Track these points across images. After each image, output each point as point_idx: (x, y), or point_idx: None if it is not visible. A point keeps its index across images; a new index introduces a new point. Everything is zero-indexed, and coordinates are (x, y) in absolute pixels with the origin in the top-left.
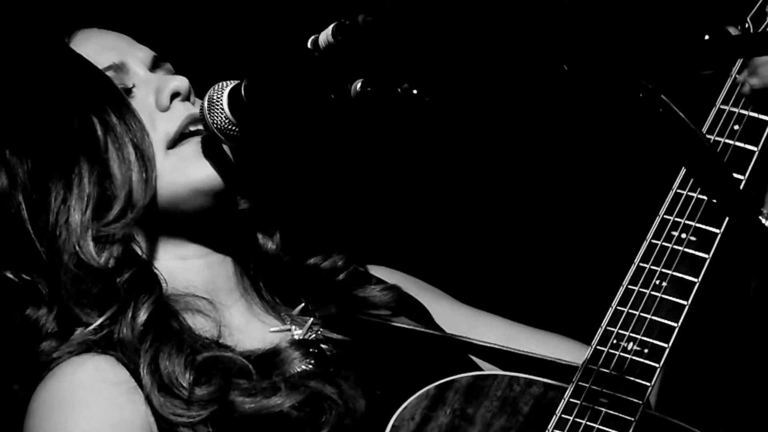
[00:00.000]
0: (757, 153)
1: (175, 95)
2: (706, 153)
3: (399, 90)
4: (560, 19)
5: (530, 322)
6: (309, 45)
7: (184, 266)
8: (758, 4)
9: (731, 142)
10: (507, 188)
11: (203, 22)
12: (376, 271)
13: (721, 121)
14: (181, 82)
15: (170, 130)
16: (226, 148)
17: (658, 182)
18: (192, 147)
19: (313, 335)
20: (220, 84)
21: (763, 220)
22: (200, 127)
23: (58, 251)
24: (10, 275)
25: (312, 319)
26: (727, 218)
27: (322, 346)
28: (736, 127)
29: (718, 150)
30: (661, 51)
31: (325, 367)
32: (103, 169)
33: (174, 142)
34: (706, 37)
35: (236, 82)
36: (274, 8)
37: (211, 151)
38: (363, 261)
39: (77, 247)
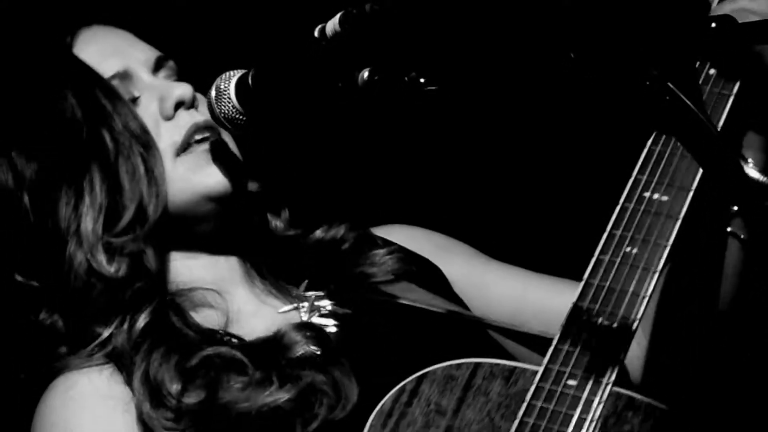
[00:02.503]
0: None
1: (179, 104)
2: (712, 141)
3: (406, 78)
4: (567, 6)
5: None
6: (316, 34)
7: (190, 264)
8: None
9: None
10: (511, 180)
11: (210, 12)
12: (386, 231)
13: None
14: (184, 91)
15: (176, 140)
16: (233, 148)
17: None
18: (200, 155)
19: (318, 313)
20: (228, 73)
21: (749, 170)
22: (206, 134)
23: (68, 259)
24: (19, 278)
25: (313, 295)
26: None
27: (326, 324)
28: None
29: None
30: (668, 38)
31: (326, 350)
32: (114, 179)
33: (180, 151)
34: (713, 24)
35: (244, 71)
36: None
37: (219, 156)
38: (372, 223)
39: (89, 256)
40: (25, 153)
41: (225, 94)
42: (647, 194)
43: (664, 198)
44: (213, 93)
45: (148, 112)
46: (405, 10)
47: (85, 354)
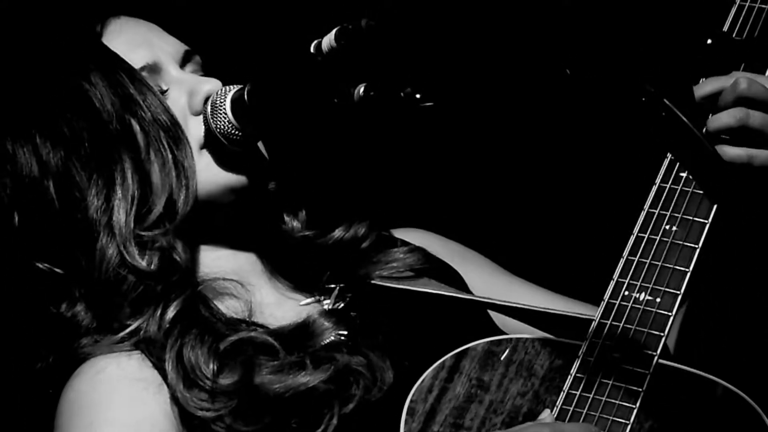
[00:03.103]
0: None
1: (208, 98)
2: (708, 157)
3: (402, 94)
4: (563, 22)
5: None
6: (312, 49)
7: (213, 255)
8: None
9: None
10: (509, 183)
11: (205, 27)
12: (405, 234)
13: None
14: (213, 86)
15: (203, 135)
16: (260, 146)
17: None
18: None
19: (342, 304)
20: (223, 89)
21: None
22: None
23: (99, 251)
24: (41, 266)
25: (338, 287)
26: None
27: (352, 314)
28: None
29: None
30: (664, 54)
31: (355, 336)
32: (144, 171)
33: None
34: (709, 41)
35: (239, 86)
36: (276, 12)
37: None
38: (391, 225)
39: (121, 249)
40: (51, 139)
41: (221, 109)
42: (684, 174)
43: None
44: (209, 108)
45: (176, 105)
46: (401, 26)
47: (112, 341)
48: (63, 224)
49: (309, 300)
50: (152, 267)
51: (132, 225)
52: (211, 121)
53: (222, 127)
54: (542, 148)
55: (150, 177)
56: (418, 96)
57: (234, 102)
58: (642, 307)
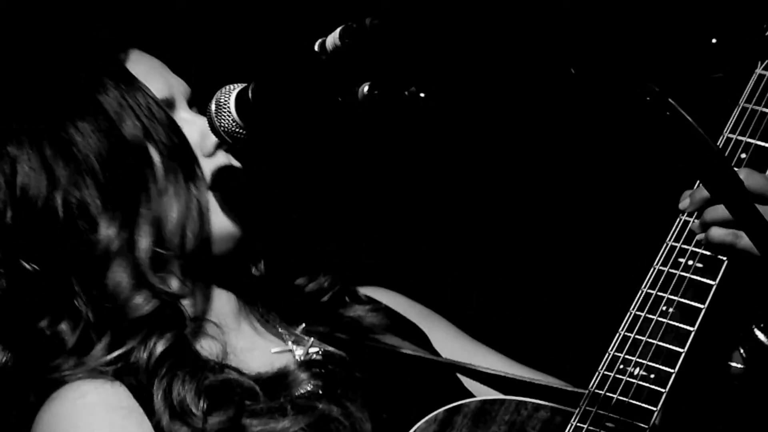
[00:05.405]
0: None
1: (220, 144)
2: (713, 156)
3: (406, 93)
4: (567, 22)
5: (530, 355)
6: (316, 48)
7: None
8: None
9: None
10: (511, 197)
11: (210, 25)
12: (371, 292)
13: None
14: None
15: (210, 175)
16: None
17: (661, 206)
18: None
19: (314, 355)
20: (228, 87)
21: (758, 333)
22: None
23: (110, 278)
24: (27, 266)
25: (312, 339)
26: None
27: (328, 366)
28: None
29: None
30: (669, 54)
31: (332, 387)
32: (158, 202)
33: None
34: (714, 40)
35: (244, 85)
36: (281, 11)
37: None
38: (358, 282)
39: (130, 279)
40: (62, 155)
41: (225, 108)
42: (683, 260)
43: (699, 265)
44: (213, 106)
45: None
46: (405, 24)
47: (93, 366)
48: (64, 234)
49: (281, 348)
50: (150, 305)
51: (146, 262)
52: (215, 119)
53: (226, 125)
54: (542, 172)
55: (164, 209)
56: (422, 95)
57: (238, 100)
58: (636, 381)
